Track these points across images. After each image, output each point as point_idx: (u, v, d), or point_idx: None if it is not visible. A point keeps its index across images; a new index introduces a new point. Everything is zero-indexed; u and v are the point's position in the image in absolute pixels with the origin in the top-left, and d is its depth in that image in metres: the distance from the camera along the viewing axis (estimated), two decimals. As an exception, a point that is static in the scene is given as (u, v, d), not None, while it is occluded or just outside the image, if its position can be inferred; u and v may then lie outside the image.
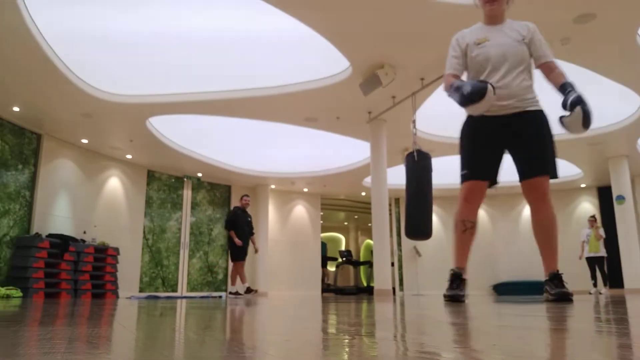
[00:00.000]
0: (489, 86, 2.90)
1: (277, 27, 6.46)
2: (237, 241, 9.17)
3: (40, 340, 0.94)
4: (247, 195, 9.86)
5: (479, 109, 2.97)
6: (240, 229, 9.32)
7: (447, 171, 12.08)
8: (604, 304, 2.81)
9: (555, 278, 2.92)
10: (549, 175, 2.97)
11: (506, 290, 13.27)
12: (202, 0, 6.12)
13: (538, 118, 3.01)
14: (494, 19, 3.22)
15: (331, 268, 18.41)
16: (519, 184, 3.07)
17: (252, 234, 9.68)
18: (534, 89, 3.10)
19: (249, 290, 9.25)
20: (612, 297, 5.24)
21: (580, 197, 13.88)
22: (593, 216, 11.11)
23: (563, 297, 2.85)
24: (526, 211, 14.15)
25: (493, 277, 14.08)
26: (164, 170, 12.07)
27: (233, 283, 9.44)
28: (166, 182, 12.24)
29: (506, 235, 14.37)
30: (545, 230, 3.01)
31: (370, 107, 8.41)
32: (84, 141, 9.82)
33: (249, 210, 9.82)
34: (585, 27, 5.88)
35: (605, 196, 12.81)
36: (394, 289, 13.57)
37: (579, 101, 2.80)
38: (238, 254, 9.30)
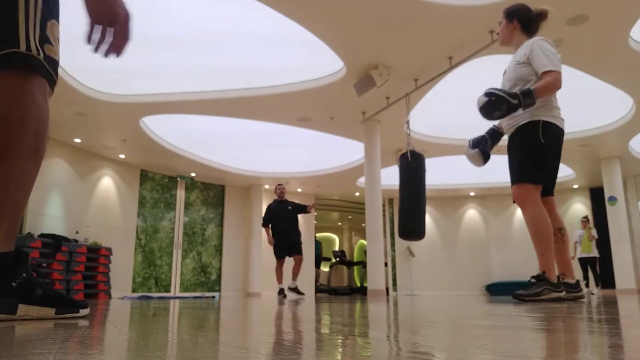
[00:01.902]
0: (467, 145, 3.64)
1: (272, 27, 6.46)
2: (269, 239, 8.44)
3: (33, 341, 0.94)
4: (280, 185, 8.89)
5: (475, 163, 3.64)
6: (276, 222, 8.48)
7: (440, 172, 12.17)
8: (596, 304, 2.83)
9: (535, 279, 3.14)
10: (517, 183, 3.27)
11: (499, 291, 13.33)
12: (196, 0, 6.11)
13: (520, 131, 3.30)
14: (511, 49, 3.55)
15: (325, 268, 18.42)
16: (511, 185, 3.37)
17: (306, 211, 8.62)
18: (549, 103, 3.28)
19: (281, 292, 8.43)
20: (604, 297, 5.27)
21: (572, 198, 13.98)
22: (586, 217, 11.19)
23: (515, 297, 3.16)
24: (518, 212, 14.22)
25: (486, 278, 14.15)
26: (157, 170, 12.03)
27: (279, 281, 8.47)
28: (159, 181, 12.20)
29: (499, 235, 14.44)
30: (530, 233, 3.26)
31: (364, 107, 8.42)
32: (77, 140, 9.77)
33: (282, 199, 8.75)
34: (578, 28, 5.92)
35: (597, 197, 12.92)
36: (387, 289, 13.60)
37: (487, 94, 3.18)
38: (275, 250, 8.48)
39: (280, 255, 8.41)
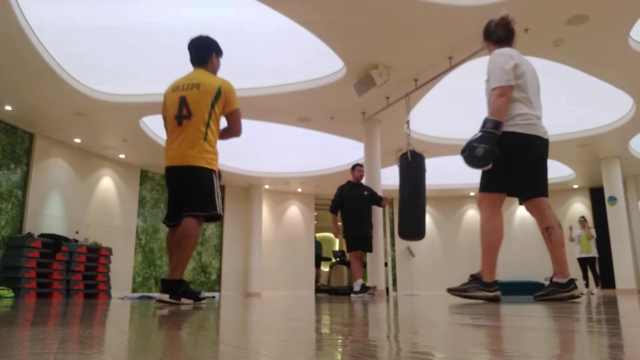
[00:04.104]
0: None
1: (272, 27, 6.45)
2: (335, 230, 7.36)
3: (33, 341, 0.94)
4: (359, 165, 7.63)
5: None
6: (349, 208, 7.30)
7: (440, 172, 12.16)
8: (596, 304, 2.82)
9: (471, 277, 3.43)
10: (480, 190, 3.45)
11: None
12: (196, -1, 6.11)
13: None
14: None
15: (325, 268, 18.40)
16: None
17: (381, 204, 7.57)
18: (509, 113, 3.30)
19: (364, 289, 7.14)
20: (604, 297, 5.27)
21: (572, 198, 13.97)
22: (583, 217, 11.19)
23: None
24: (518, 212, 14.22)
25: (486, 278, 14.13)
26: (157, 169, 12.02)
27: (358, 276, 7.28)
28: (159, 181, 12.20)
29: (499, 235, 14.40)
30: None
31: (365, 107, 8.42)
32: (77, 140, 9.77)
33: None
34: (578, 28, 5.92)
35: (597, 197, 12.91)
36: (387, 289, 13.60)
37: (464, 149, 3.24)
38: (347, 242, 7.27)
39: (354, 246, 7.23)
